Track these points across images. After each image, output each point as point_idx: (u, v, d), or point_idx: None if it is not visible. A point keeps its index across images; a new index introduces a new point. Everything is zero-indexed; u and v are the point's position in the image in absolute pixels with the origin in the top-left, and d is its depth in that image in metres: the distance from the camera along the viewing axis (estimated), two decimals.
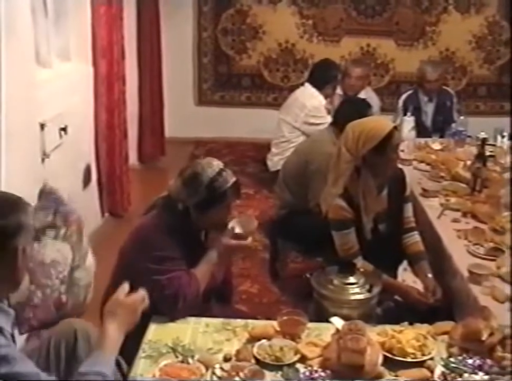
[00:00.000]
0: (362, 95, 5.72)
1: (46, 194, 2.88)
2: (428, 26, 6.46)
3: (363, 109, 4.20)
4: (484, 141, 4.28)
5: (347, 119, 4.05)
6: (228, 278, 2.85)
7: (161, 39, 5.92)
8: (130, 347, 2.18)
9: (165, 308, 2.45)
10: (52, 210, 2.80)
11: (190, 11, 6.33)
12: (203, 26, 6.38)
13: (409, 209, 3.35)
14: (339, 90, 5.46)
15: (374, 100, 5.89)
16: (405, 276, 3.36)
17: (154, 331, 2.35)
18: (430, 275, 3.15)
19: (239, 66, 6.56)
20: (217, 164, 2.64)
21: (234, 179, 2.65)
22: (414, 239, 3.32)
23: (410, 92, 5.90)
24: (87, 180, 4.41)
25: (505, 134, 5.10)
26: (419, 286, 3.16)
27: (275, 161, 5.14)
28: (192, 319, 2.44)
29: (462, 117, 5.41)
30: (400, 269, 3.40)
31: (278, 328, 2.35)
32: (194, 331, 2.37)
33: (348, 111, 4.14)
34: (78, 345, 2.27)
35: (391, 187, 3.21)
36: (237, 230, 2.63)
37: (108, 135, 4.67)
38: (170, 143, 6.24)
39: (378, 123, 3.15)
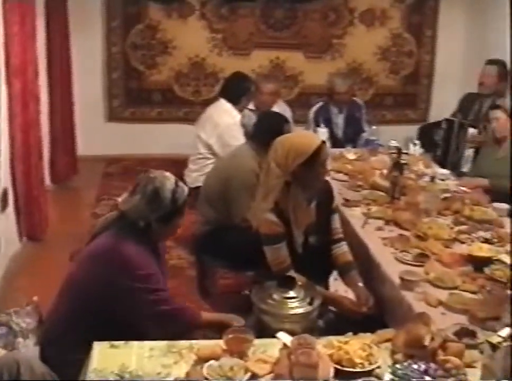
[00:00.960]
0: (274, 109, 5.78)
1: None
2: (335, 38, 6.61)
3: (280, 123, 4.23)
4: (400, 149, 4.42)
5: (266, 134, 4.09)
6: None
7: (70, 56, 5.79)
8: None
9: (167, 324, 2.56)
10: None
11: (99, 27, 6.21)
12: (113, 42, 6.27)
13: (336, 220, 3.39)
14: (251, 106, 5.48)
15: (287, 113, 5.96)
16: (337, 286, 3.40)
17: (97, 359, 2.27)
18: (360, 284, 3.20)
19: (149, 82, 6.49)
20: (170, 175, 2.70)
21: (185, 186, 2.75)
22: (343, 249, 3.36)
23: (320, 104, 6.01)
24: (4, 204, 4.24)
25: (416, 142, 5.27)
26: (350, 295, 3.22)
27: (193, 177, 5.09)
28: (135, 344, 2.37)
29: (373, 127, 5.56)
30: (331, 279, 3.43)
31: (225, 347, 2.33)
32: (139, 356, 2.30)
33: (266, 126, 4.16)
34: (20, 376, 2.20)
35: (319, 199, 3.24)
36: None
37: (24, 156, 4.51)
38: (81, 161, 6.10)
39: (307, 138, 3.21)
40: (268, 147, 4.05)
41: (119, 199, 2.68)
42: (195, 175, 5.10)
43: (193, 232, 4.28)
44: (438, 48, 6.85)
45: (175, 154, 6.25)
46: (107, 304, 2.46)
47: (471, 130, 5.46)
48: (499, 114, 4.78)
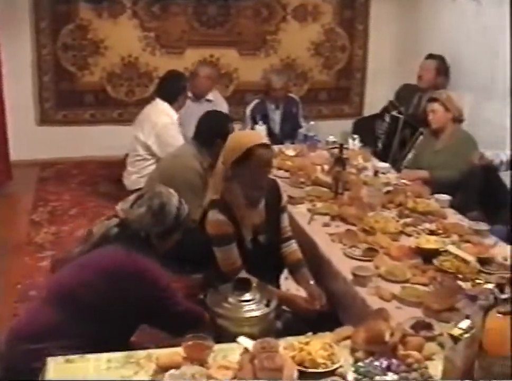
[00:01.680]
0: (209, 97, 5.79)
1: None
2: (268, 35, 6.59)
3: (224, 122, 4.20)
4: (342, 145, 4.44)
5: (209, 134, 4.06)
6: None
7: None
8: None
9: (188, 324, 2.61)
10: None
11: (27, 28, 5.99)
12: (42, 43, 6.05)
13: (285, 219, 3.36)
14: (188, 93, 5.44)
15: (223, 105, 5.97)
16: (288, 285, 3.38)
17: (54, 373, 2.18)
18: (312, 281, 3.18)
19: (81, 83, 6.32)
20: (173, 192, 2.78)
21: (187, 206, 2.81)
22: (292, 248, 3.34)
23: (257, 101, 6.02)
24: None
25: (355, 136, 5.31)
26: (302, 293, 3.20)
27: (133, 179, 4.99)
28: (91, 357, 2.29)
29: (311, 123, 5.57)
30: (282, 278, 3.41)
31: (184, 355, 2.27)
32: (97, 368, 2.22)
33: (209, 125, 4.13)
34: None
35: (267, 199, 3.21)
36: None
37: None
38: (15, 167, 5.89)
39: (246, 137, 3.14)
40: (211, 146, 4.03)
41: (118, 208, 2.75)
42: (135, 178, 5.01)
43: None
44: (370, 42, 6.91)
45: (111, 156, 6.13)
46: (121, 315, 2.53)
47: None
48: (436, 106, 4.85)
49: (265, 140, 3.14)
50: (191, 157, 4.01)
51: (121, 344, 2.52)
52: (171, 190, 2.79)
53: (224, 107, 6.08)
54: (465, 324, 2.16)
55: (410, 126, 5.61)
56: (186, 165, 3.99)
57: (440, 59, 5.80)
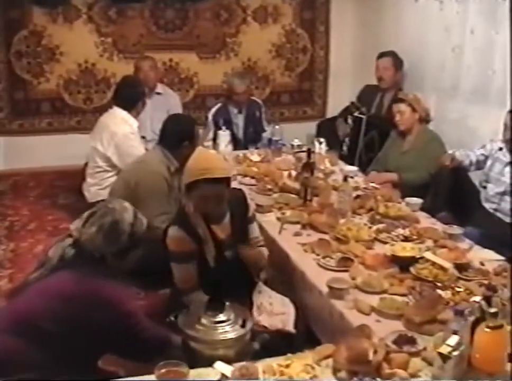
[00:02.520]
0: (159, 90, 5.69)
1: None
2: (228, 37, 6.47)
3: (190, 125, 4.08)
4: (310, 150, 4.33)
5: (175, 137, 3.93)
6: None
7: None
8: None
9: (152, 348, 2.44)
10: None
11: None
12: None
13: (254, 229, 3.25)
14: None
15: (175, 97, 5.92)
16: (261, 299, 3.23)
17: None
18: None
19: (37, 91, 6.10)
20: (128, 206, 2.57)
21: (144, 219, 2.61)
22: (261, 251, 3.23)
23: (219, 105, 5.89)
24: None
25: (322, 140, 5.21)
26: (275, 307, 3.07)
27: (93, 191, 4.79)
28: None
29: (277, 127, 5.46)
30: (255, 292, 3.27)
31: None
32: None
33: (175, 128, 4.00)
34: None
35: (233, 211, 3.09)
36: None
37: None
38: None
39: (198, 165, 2.92)
40: (179, 150, 3.90)
41: (72, 227, 2.55)
42: (95, 190, 4.82)
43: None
44: (331, 43, 6.83)
45: (69, 166, 5.95)
46: (83, 344, 2.34)
47: None
48: (403, 107, 4.78)
49: (219, 172, 2.91)
50: (157, 162, 3.89)
51: (88, 370, 2.39)
52: (126, 204, 2.58)
53: (176, 99, 5.99)
54: (453, 340, 2.07)
55: (374, 126, 5.54)
56: (151, 170, 3.86)
57: (393, 55, 5.77)
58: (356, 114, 5.67)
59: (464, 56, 5.12)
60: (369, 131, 5.55)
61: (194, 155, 3.02)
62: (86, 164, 5.37)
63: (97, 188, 4.82)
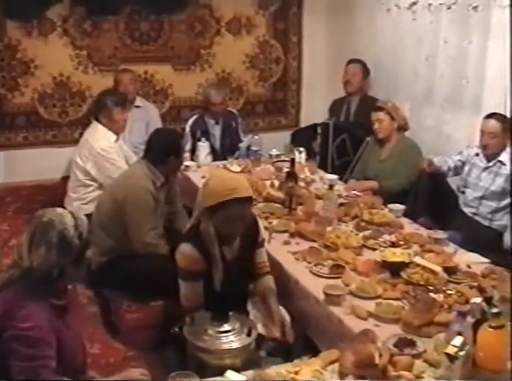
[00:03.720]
0: (138, 103, 5.72)
1: None
2: (202, 49, 6.50)
3: (176, 139, 4.11)
4: (293, 159, 4.39)
5: (161, 151, 3.95)
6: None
7: None
8: None
9: None
10: None
11: None
12: None
13: (262, 254, 3.21)
14: None
15: (154, 110, 6.06)
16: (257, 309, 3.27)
17: None
18: (275, 310, 3.05)
19: (12, 105, 6.04)
20: (61, 210, 2.41)
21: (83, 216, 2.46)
22: (267, 282, 3.18)
23: (196, 116, 5.94)
24: None
25: (302, 149, 5.28)
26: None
27: (75, 206, 4.77)
28: None
29: (256, 137, 5.52)
30: (250, 302, 3.30)
31: None
32: None
33: (161, 142, 4.01)
34: None
35: (243, 234, 3.06)
36: None
37: None
38: None
39: (226, 185, 2.87)
40: (164, 165, 3.92)
41: (15, 255, 2.36)
42: (78, 204, 4.82)
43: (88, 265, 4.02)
44: (304, 53, 6.91)
45: (46, 180, 5.95)
46: None
47: None
48: (382, 115, 4.86)
49: (246, 192, 2.91)
50: (143, 177, 3.89)
51: None
52: (59, 210, 2.40)
53: (155, 112, 6.03)
54: (458, 341, 2.13)
55: (343, 131, 5.66)
56: (138, 185, 3.86)
57: (361, 63, 5.93)
58: (323, 120, 5.82)
59: (437, 65, 5.23)
60: (339, 135, 5.67)
61: (215, 175, 3.02)
62: (63, 178, 5.37)
63: (79, 202, 4.83)
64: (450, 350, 2.10)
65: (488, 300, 2.28)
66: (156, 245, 3.84)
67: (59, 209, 2.42)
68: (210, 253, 2.90)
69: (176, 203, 4.30)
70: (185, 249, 2.89)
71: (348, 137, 5.59)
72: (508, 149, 4.38)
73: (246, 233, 3.06)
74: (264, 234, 3.71)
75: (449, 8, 5.05)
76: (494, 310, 2.13)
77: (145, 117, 5.78)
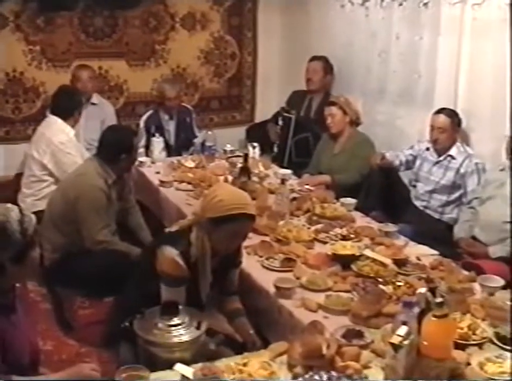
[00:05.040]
0: (94, 100, 5.69)
1: None
2: (157, 44, 6.45)
3: (129, 137, 4.09)
4: (246, 154, 4.41)
5: (113, 149, 3.94)
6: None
7: None
8: None
9: None
10: None
11: None
12: None
13: (235, 275, 3.11)
14: None
15: (110, 108, 6.00)
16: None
17: None
18: (251, 331, 2.97)
19: None
20: (11, 205, 2.34)
21: (32, 214, 2.37)
22: (235, 299, 3.11)
23: (150, 112, 5.92)
24: None
25: (255, 144, 5.30)
26: None
27: (29, 202, 4.71)
28: None
29: (209, 132, 5.52)
30: None
31: None
32: None
33: (113, 140, 4.00)
34: None
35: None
36: None
37: None
38: None
39: (235, 199, 2.81)
40: (116, 162, 3.90)
41: None
42: (31, 200, 4.76)
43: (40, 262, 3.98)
44: (259, 49, 6.91)
45: (0, 177, 5.83)
46: None
47: None
48: (334, 110, 4.92)
49: (253, 210, 2.89)
50: (95, 175, 3.87)
51: None
52: (8, 205, 2.34)
53: (110, 109, 5.98)
54: (403, 330, 2.18)
55: (306, 129, 5.68)
56: (90, 183, 3.84)
57: (324, 60, 5.92)
58: (285, 114, 5.83)
59: (390, 60, 5.30)
60: (301, 133, 5.69)
61: (223, 188, 3.05)
62: (17, 175, 5.30)
63: (32, 198, 4.77)
64: (395, 339, 2.14)
65: (433, 290, 2.32)
66: (109, 242, 3.84)
67: (9, 205, 2.36)
68: (198, 265, 2.80)
69: (130, 199, 4.29)
70: (172, 254, 2.75)
71: (312, 136, 5.62)
72: (458, 143, 4.47)
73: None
74: None
75: (400, 4, 5.12)
76: (438, 300, 2.17)
77: (100, 115, 5.73)
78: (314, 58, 5.93)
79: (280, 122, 5.84)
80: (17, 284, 2.44)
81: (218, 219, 2.75)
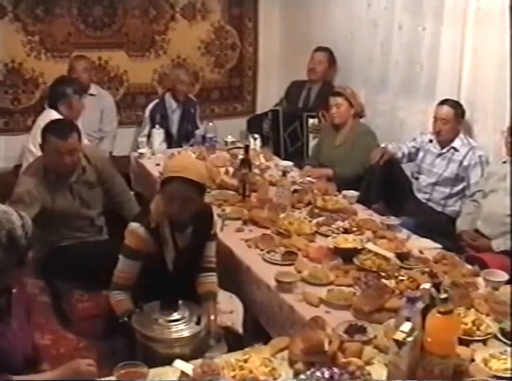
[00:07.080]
0: (92, 91, 5.65)
1: None
2: (157, 35, 6.38)
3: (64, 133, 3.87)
4: (247, 146, 4.37)
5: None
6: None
7: None
8: None
9: None
10: None
11: None
12: None
13: (211, 248, 3.16)
14: None
15: (109, 97, 5.98)
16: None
17: None
18: (213, 317, 2.89)
19: None
20: (7, 208, 2.27)
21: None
22: (210, 280, 3.12)
23: (156, 101, 5.94)
24: None
25: (256, 136, 5.26)
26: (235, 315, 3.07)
27: None
28: None
29: (210, 124, 5.46)
30: None
31: None
32: None
33: (48, 137, 3.86)
34: None
35: (196, 224, 3.02)
36: None
37: None
38: None
39: (173, 163, 3.01)
40: None
41: None
42: None
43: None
44: (260, 39, 6.85)
45: (2, 168, 5.78)
46: None
47: (311, 121, 5.55)
48: (340, 101, 4.87)
49: (193, 175, 2.86)
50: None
51: None
52: (4, 208, 2.26)
53: (109, 100, 5.95)
54: (407, 326, 2.13)
55: (293, 118, 5.69)
56: None
57: (329, 51, 5.87)
58: (273, 107, 5.80)
59: (392, 51, 5.22)
60: (291, 124, 5.68)
61: (178, 156, 3.08)
62: (16, 166, 5.26)
63: None
64: (398, 335, 2.10)
65: (437, 286, 2.28)
66: None
67: (3, 207, 2.28)
68: (160, 233, 2.89)
69: (126, 192, 4.21)
70: (133, 227, 2.89)
71: (299, 125, 5.61)
72: (461, 135, 4.42)
73: (198, 223, 3.02)
74: (217, 221, 3.70)
75: None
76: (443, 295, 2.13)
77: (99, 106, 5.69)
78: (319, 48, 5.88)
79: (269, 116, 5.85)
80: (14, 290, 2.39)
81: (162, 183, 2.90)
